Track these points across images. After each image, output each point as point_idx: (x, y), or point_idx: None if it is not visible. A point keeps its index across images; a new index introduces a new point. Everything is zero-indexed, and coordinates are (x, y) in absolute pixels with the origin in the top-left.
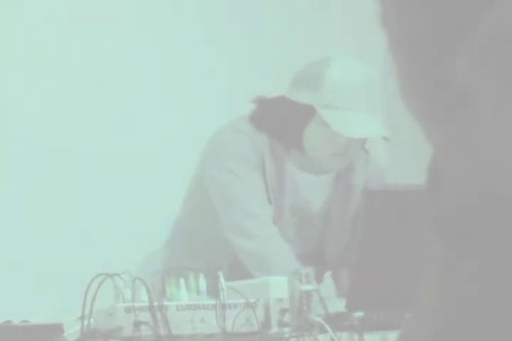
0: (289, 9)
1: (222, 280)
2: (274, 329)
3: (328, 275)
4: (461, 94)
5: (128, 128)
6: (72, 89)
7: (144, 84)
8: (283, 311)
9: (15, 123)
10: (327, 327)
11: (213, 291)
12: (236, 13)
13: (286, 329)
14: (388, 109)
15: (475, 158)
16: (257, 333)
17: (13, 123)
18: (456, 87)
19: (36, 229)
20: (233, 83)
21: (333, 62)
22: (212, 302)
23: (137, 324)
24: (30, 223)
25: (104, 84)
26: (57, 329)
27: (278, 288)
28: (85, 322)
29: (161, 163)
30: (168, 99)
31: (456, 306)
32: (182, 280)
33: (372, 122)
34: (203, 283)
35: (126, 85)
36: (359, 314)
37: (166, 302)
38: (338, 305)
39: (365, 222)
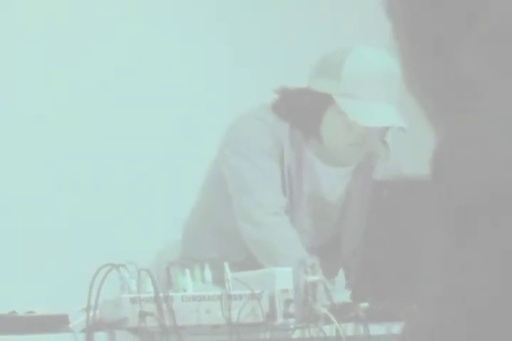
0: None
1: (227, 270)
2: (280, 320)
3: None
4: (465, 85)
5: (134, 127)
6: (73, 89)
7: (144, 84)
8: (288, 302)
9: (16, 123)
10: (332, 318)
11: (223, 282)
12: (238, 9)
13: (292, 320)
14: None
15: (478, 153)
16: (262, 324)
17: (14, 123)
18: (460, 77)
19: (42, 221)
20: (233, 83)
21: (353, 51)
22: (218, 293)
23: (142, 315)
24: (36, 215)
25: (105, 82)
26: (62, 320)
27: (284, 278)
28: (91, 313)
29: (167, 162)
30: (169, 99)
31: (458, 297)
32: (187, 271)
33: (390, 112)
34: (208, 273)
35: (126, 84)
36: (364, 305)
37: (171, 293)
38: (345, 296)
39: (372, 212)
